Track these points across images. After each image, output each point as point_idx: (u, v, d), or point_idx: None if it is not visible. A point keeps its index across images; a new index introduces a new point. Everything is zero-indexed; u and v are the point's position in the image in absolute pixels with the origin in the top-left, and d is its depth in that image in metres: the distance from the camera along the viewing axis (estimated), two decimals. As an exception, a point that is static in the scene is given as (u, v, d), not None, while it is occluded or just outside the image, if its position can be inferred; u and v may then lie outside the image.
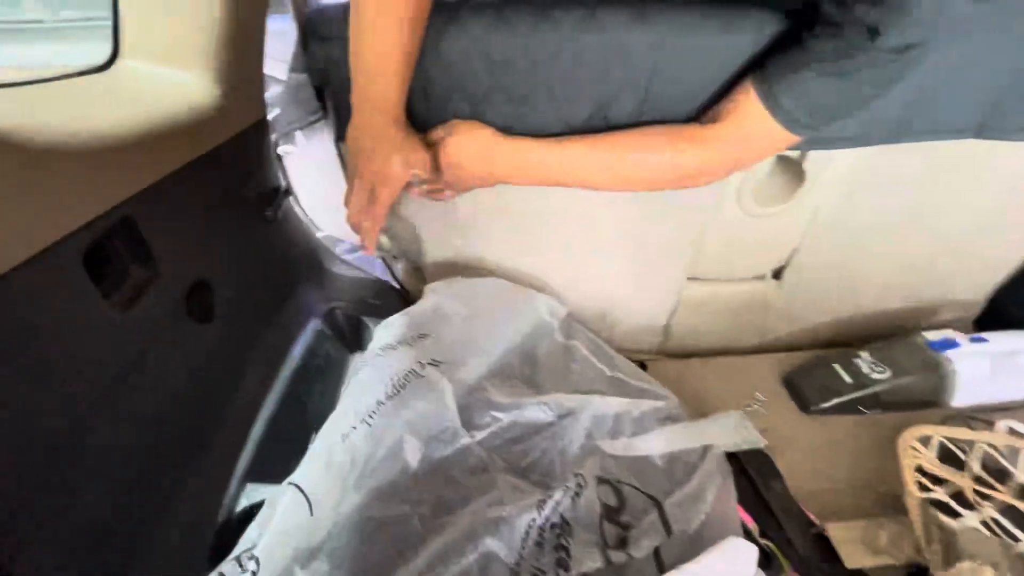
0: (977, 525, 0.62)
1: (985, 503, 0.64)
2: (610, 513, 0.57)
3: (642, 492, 0.61)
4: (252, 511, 0.44)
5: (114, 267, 0.36)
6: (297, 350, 0.58)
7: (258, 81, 0.54)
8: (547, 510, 0.47)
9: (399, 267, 0.98)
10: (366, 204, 0.58)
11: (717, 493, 0.63)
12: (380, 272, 1.09)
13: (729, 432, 0.70)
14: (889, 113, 0.61)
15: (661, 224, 0.76)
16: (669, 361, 0.94)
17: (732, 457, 0.70)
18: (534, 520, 0.45)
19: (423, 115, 0.61)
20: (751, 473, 0.71)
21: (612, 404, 0.65)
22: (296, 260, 0.66)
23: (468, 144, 0.59)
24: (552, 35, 0.55)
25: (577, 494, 0.51)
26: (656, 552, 0.54)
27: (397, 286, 0.95)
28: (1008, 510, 0.63)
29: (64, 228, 0.29)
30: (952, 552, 0.55)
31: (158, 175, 0.39)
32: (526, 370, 0.67)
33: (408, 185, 0.58)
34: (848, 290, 0.87)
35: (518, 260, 0.81)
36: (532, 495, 0.48)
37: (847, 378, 0.80)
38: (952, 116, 0.62)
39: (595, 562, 0.48)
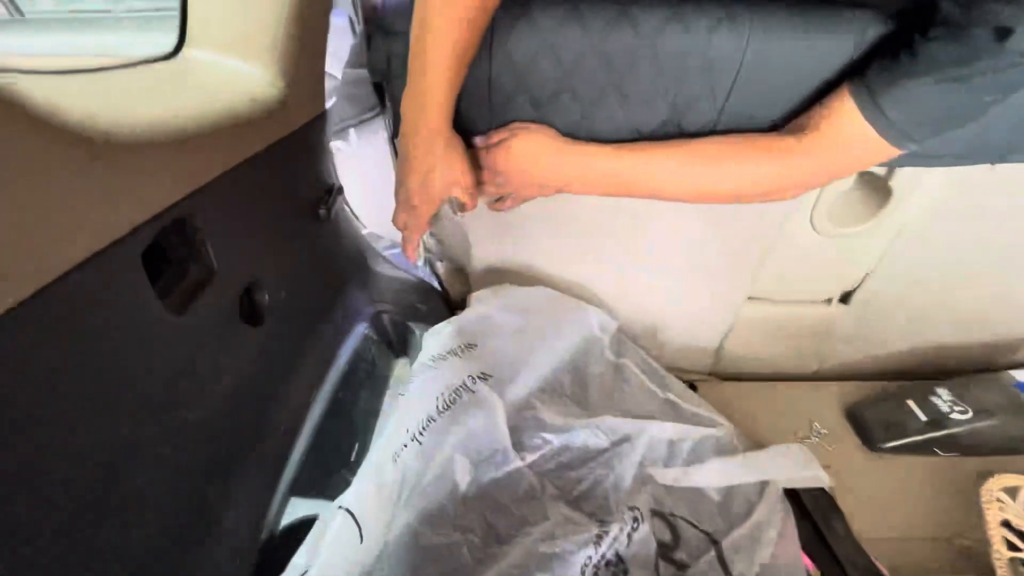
0: (1077, 594, 0.55)
1: (1085, 569, 0.57)
2: (665, 550, 0.53)
3: (697, 528, 0.57)
4: (296, 528, 0.42)
5: (171, 267, 0.34)
6: (343, 355, 0.56)
7: (319, 75, 0.53)
8: (604, 547, 0.44)
9: (441, 268, 0.96)
10: (408, 212, 0.57)
11: (779, 535, 0.59)
12: (421, 272, 1.07)
13: (791, 467, 0.65)
14: (999, 131, 0.55)
15: (724, 238, 0.71)
16: (721, 383, 0.89)
17: (791, 495, 0.65)
18: (590, 558, 0.42)
19: (485, 117, 0.58)
20: (813, 514, 0.65)
21: (667, 430, 0.61)
22: (344, 261, 0.64)
23: (533, 148, 0.56)
24: (630, 34, 0.51)
25: (634, 530, 0.48)
26: (715, 598, 0.50)
27: (439, 287, 0.93)
28: (1112, 579, 0.57)
29: (126, 224, 0.28)
30: (1053, 626, 0.49)
31: (219, 170, 0.37)
32: (576, 388, 0.63)
33: (446, 202, 0.57)
34: (924, 320, 0.81)
35: (568, 268, 0.78)
36: (587, 529, 0.45)
37: (922, 415, 0.74)
38: None
39: (653, 606, 0.44)
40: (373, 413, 0.56)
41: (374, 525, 0.38)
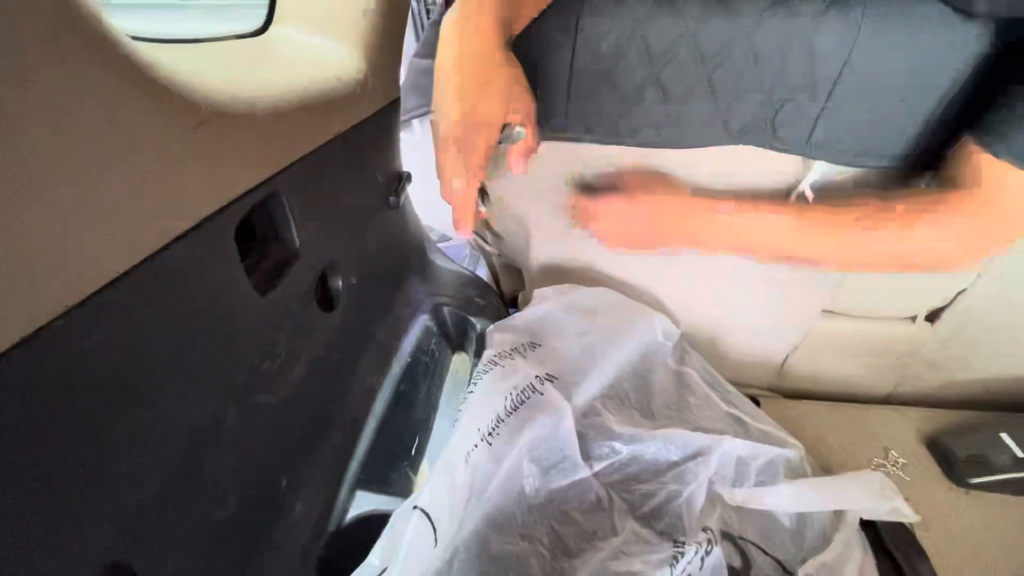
0: None
1: None
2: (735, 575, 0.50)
3: (769, 555, 0.53)
4: (360, 523, 0.41)
5: (258, 245, 0.34)
6: (406, 346, 0.55)
7: (397, 59, 0.52)
8: (678, 569, 0.40)
9: (496, 264, 0.95)
10: (458, 160, 0.44)
11: (858, 569, 0.54)
12: (467, 263, 1.06)
13: (871, 497, 0.60)
14: None
15: (803, 247, 0.67)
16: (784, 401, 0.84)
17: (866, 527, 0.60)
18: (664, 580, 0.39)
19: (562, 108, 0.56)
20: (893, 551, 0.60)
21: (738, 447, 0.57)
22: (408, 250, 0.63)
23: (667, 206, 0.53)
24: (726, 21, 0.48)
25: (708, 553, 0.44)
26: (791, 633, 0.46)
27: (493, 283, 0.91)
28: None
29: (224, 197, 0.27)
30: None
31: (306, 149, 0.36)
32: (640, 396, 0.60)
33: (502, 140, 0.45)
34: (1020, 346, 0.73)
35: (630, 271, 0.75)
36: (659, 548, 0.42)
37: (1018, 451, 0.67)
38: None
39: (727, 638, 0.41)
40: (433, 407, 0.54)
41: (447, 528, 0.37)
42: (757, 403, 0.79)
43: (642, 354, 0.66)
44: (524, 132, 0.46)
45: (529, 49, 0.52)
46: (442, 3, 0.60)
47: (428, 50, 0.73)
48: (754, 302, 0.74)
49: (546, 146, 0.61)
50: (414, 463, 0.47)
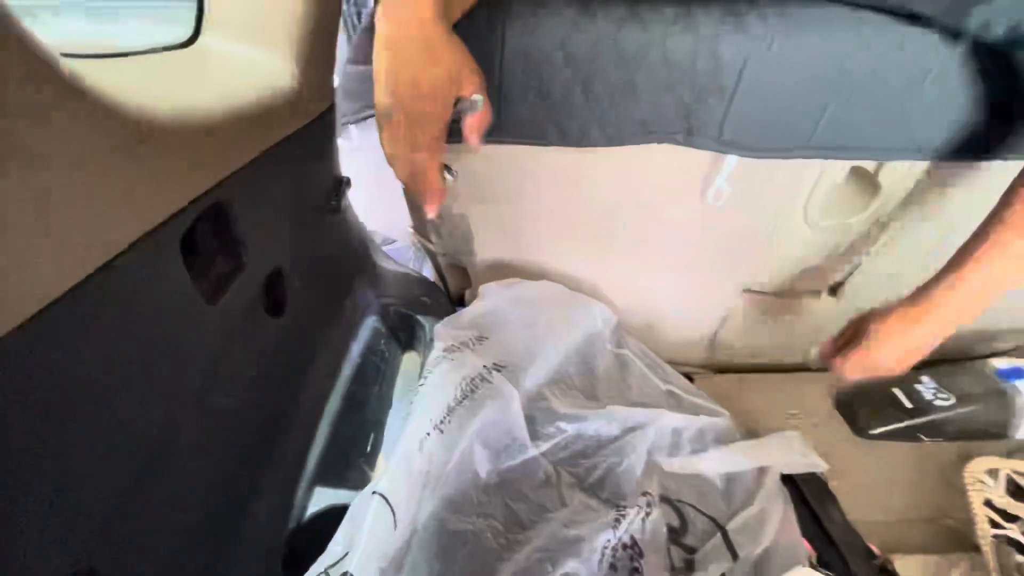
0: (1055, 567, 0.59)
1: (1061, 544, 0.61)
2: (674, 535, 0.55)
3: (703, 513, 0.59)
4: (321, 518, 0.42)
5: (204, 255, 0.34)
6: (356, 348, 0.56)
7: (331, 66, 0.52)
8: (621, 530, 0.45)
9: (442, 264, 0.96)
10: (413, 136, 0.42)
11: (780, 519, 0.61)
12: (413, 265, 1.07)
13: (790, 453, 0.67)
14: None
15: (720, 233, 0.73)
16: (714, 376, 0.91)
17: (787, 480, 0.67)
18: (610, 540, 0.43)
19: (494, 110, 0.59)
20: (809, 498, 0.68)
21: (672, 419, 0.63)
22: (353, 253, 0.64)
23: (898, 347, 0.56)
24: (640, 31, 0.52)
25: (647, 515, 0.49)
26: (723, 578, 0.52)
27: (439, 283, 0.93)
28: (1086, 552, 0.60)
29: (167, 209, 0.27)
30: (1037, 596, 0.52)
31: (245, 159, 0.37)
32: (583, 380, 0.64)
33: (459, 112, 0.44)
34: (907, 311, 0.84)
35: (568, 264, 0.79)
36: (605, 514, 0.46)
37: (907, 403, 0.77)
38: None
39: (668, 588, 0.45)
40: (386, 406, 0.56)
41: (405, 511, 0.39)
42: (691, 379, 0.86)
43: (584, 340, 0.70)
44: (480, 100, 0.44)
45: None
46: (373, 9, 0.61)
47: (362, 56, 0.74)
48: (681, 286, 0.80)
49: (485, 147, 0.64)
50: (370, 460, 0.49)
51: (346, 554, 0.34)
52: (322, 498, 0.44)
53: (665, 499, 0.57)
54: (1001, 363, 0.77)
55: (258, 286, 0.40)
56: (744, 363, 0.92)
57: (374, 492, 0.37)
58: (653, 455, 0.60)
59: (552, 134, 0.60)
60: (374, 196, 0.77)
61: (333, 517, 0.38)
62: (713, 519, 0.59)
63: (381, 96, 0.41)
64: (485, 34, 0.54)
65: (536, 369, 0.58)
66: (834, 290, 0.83)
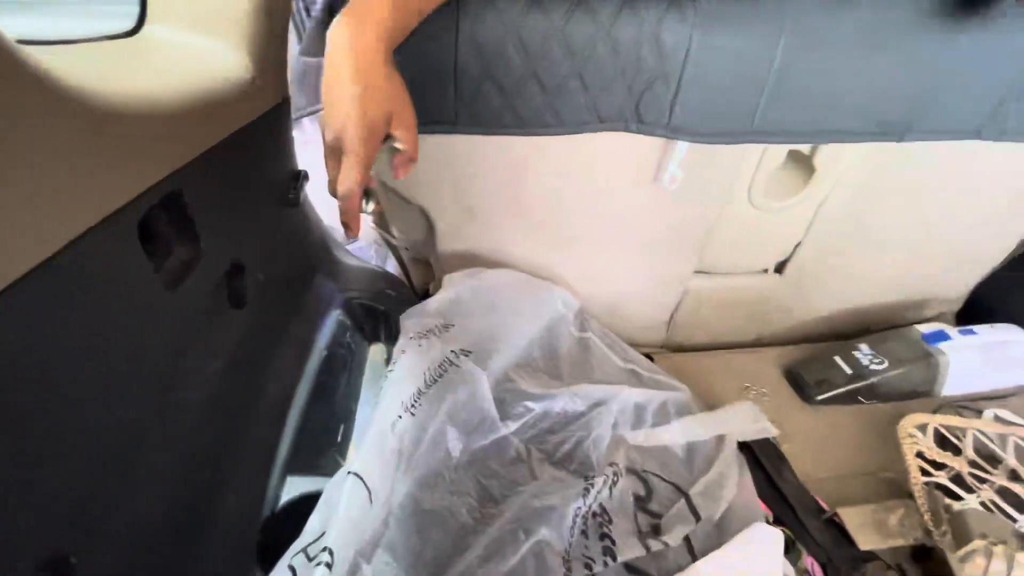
0: (977, 506, 0.65)
1: (982, 486, 0.68)
2: (640, 502, 0.57)
3: (667, 481, 0.62)
4: (294, 505, 0.42)
5: (162, 243, 0.33)
6: (321, 340, 0.56)
7: (284, 57, 0.52)
8: (590, 498, 0.47)
9: (405, 258, 0.96)
10: (343, 164, 0.45)
11: (737, 481, 0.65)
12: (376, 262, 1.07)
13: (744, 422, 0.71)
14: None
15: (671, 217, 0.77)
16: (673, 354, 0.95)
17: (743, 447, 0.72)
18: (579, 508, 0.45)
19: (451, 102, 0.60)
20: (763, 462, 0.72)
21: (635, 395, 0.65)
22: (314, 247, 0.63)
23: None
24: (589, 21, 0.55)
25: (614, 484, 0.51)
26: (687, 539, 0.55)
27: (402, 277, 0.93)
28: (1002, 492, 0.67)
29: (123, 196, 0.27)
30: (962, 532, 0.58)
31: (200, 148, 0.36)
32: (548, 362, 0.66)
33: (385, 147, 0.47)
34: (846, 285, 0.90)
35: (530, 252, 0.81)
36: (574, 485, 0.48)
37: (847, 370, 0.83)
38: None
39: (636, 550, 0.48)
40: (354, 397, 0.56)
41: (380, 490, 0.39)
42: (651, 358, 0.90)
43: (547, 325, 0.72)
44: (403, 146, 0.48)
45: (415, 50, 0.55)
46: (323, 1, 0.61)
47: (314, 48, 0.73)
48: (638, 270, 0.84)
49: (441, 139, 0.65)
50: (342, 449, 0.49)
51: (324, 533, 0.35)
52: (295, 487, 0.44)
53: (631, 470, 0.60)
54: (926, 328, 0.84)
55: (218, 277, 0.40)
56: (701, 342, 0.97)
57: (349, 472, 0.38)
58: (618, 429, 0.62)
59: (508, 121, 0.61)
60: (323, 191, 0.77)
61: (306, 505, 0.39)
62: (676, 486, 0.62)
63: (326, 124, 0.45)
64: (440, 25, 0.54)
65: (502, 353, 0.60)
66: (780, 268, 0.89)
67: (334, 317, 0.60)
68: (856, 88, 0.61)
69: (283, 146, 0.55)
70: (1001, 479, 0.68)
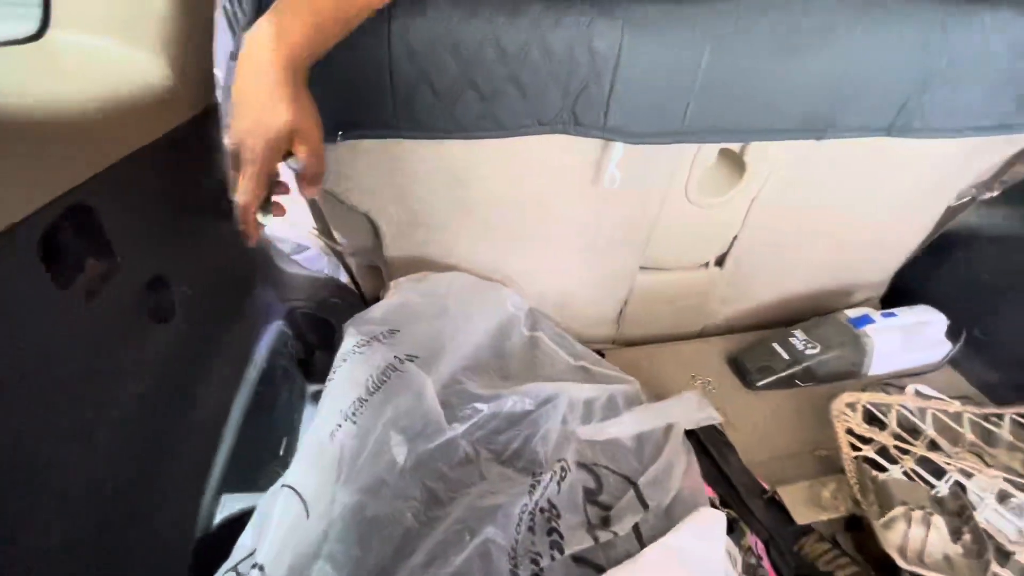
0: (900, 476, 0.70)
1: (905, 457, 0.73)
2: (590, 495, 0.59)
3: (617, 473, 0.64)
4: (231, 523, 0.41)
5: (70, 258, 0.32)
6: (260, 352, 0.54)
7: (208, 63, 0.50)
8: (537, 495, 0.48)
9: (352, 264, 0.95)
10: (243, 174, 0.46)
11: (684, 469, 0.67)
12: (328, 271, 1.05)
13: (690, 410, 0.74)
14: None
15: (614, 216, 0.79)
16: (623, 349, 0.98)
17: (690, 434, 0.74)
18: (526, 505, 0.46)
19: (388, 107, 0.59)
20: (709, 448, 0.75)
21: (583, 390, 0.67)
22: (252, 257, 0.61)
23: None
24: (520, 27, 0.56)
25: (562, 479, 0.52)
26: (635, 527, 0.56)
27: (352, 285, 0.92)
28: (922, 461, 0.72)
29: (19, 210, 0.26)
30: (885, 501, 0.62)
31: (112, 158, 0.35)
32: (498, 362, 0.67)
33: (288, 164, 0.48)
34: (781, 275, 0.95)
35: (479, 254, 0.81)
36: (521, 482, 0.49)
37: (784, 355, 0.88)
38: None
39: (584, 542, 0.49)
40: (298, 408, 0.55)
41: (318, 501, 0.39)
42: (602, 354, 0.92)
43: (497, 325, 0.73)
44: (304, 164, 0.48)
45: (349, 55, 0.55)
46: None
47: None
48: (585, 269, 0.85)
49: (382, 144, 0.65)
50: (285, 462, 0.47)
51: (255, 549, 0.34)
52: (232, 504, 0.43)
53: (581, 464, 0.61)
54: (853, 313, 0.90)
55: (138, 291, 0.38)
56: (650, 335, 1.00)
57: (283, 485, 0.37)
58: (568, 424, 0.64)
59: (447, 125, 0.62)
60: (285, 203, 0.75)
61: (243, 523, 0.38)
62: (626, 477, 0.63)
63: (231, 134, 0.45)
64: (372, 30, 0.54)
65: (450, 356, 0.60)
66: (720, 261, 0.93)
67: (275, 328, 0.59)
68: (776, 89, 0.65)
69: (212, 154, 0.53)
70: (921, 449, 0.74)
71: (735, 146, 0.74)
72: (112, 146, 0.37)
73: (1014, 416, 0.78)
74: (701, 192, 0.79)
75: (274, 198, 0.50)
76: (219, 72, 0.74)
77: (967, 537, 0.59)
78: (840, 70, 0.64)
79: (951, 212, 0.93)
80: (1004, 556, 0.61)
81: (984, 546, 0.57)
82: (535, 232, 0.79)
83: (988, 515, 0.65)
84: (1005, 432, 0.76)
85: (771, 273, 0.95)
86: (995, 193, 0.87)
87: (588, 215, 0.78)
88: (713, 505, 0.67)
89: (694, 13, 0.59)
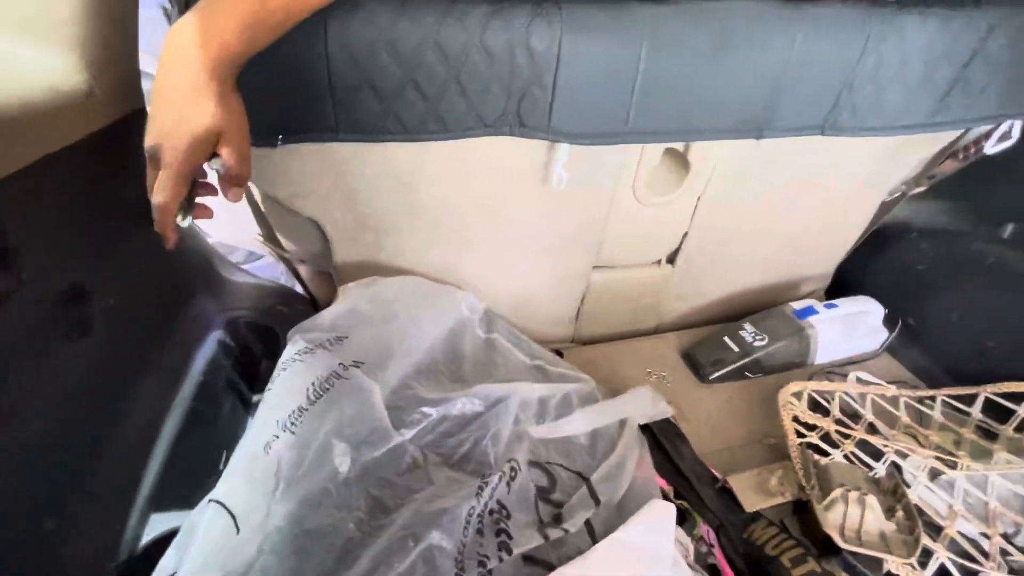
0: (841, 459, 0.73)
1: (845, 441, 0.76)
2: (543, 493, 0.59)
3: (570, 470, 0.64)
4: (161, 542, 0.39)
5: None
6: (198, 365, 0.52)
7: (131, 64, 0.48)
8: (485, 496, 0.48)
9: (304, 271, 0.93)
10: (161, 174, 0.44)
11: (637, 462, 0.68)
12: (284, 279, 1.02)
13: (643, 405, 0.75)
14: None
15: (565, 216, 0.80)
16: (581, 348, 0.99)
17: (645, 428, 0.76)
18: (473, 508, 0.46)
19: (328, 110, 0.58)
20: (663, 441, 0.77)
21: (536, 390, 0.67)
22: (188, 267, 0.59)
23: None
24: (460, 28, 0.55)
25: (512, 479, 0.52)
26: (588, 523, 0.57)
27: (303, 292, 0.90)
28: (861, 444, 0.76)
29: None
30: (826, 484, 0.65)
31: (16, 165, 0.33)
32: (452, 366, 0.67)
33: (212, 166, 0.46)
34: (730, 270, 0.98)
35: (432, 257, 0.81)
36: (470, 484, 0.48)
37: (735, 348, 0.91)
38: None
39: (534, 540, 0.49)
40: (240, 421, 0.53)
41: (250, 516, 0.38)
42: (560, 354, 0.93)
43: (451, 329, 0.73)
44: (228, 165, 0.46)
45: (285, 58, 0.53)
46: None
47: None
48: (539, 269, 0.86)
49: (325, 147, 0.63)
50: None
51: (177, 570, 0.33)
52: (162, 523, 0.41)
53: (534, 463, 0.61)
54: (797, 305, 0.93)
55: (52, 305, 0.36)
56: (607, 333, 1.01)
57: (210, 500, 0.36)
58: (521, 424, 0.64)
59: (391, 128, 0.61)
60: (229, 208, 0.73)
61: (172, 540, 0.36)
62: (579, 473, 0.64)
63: (148, 131, 0.43)
64: (308, 31, 0.53)
65: (399, 361, 0.59)
66: (671, 259, 0.95)
67: (214, 339, 0.57)
68: (715, 90, 0.67)
69: (139, 161, 0.51)
70: (861, 433, 0.77)
71: (679, 146, 0.76)
72: (22, 152, 0.35)
73: (944, 398, 0.82)
74: (649, 191, 0.80)
75: (199, 199, 0.49)
76: (150, 69, 0.71)
77: (900, 514, 0.62)
78: (774, 73, 0.67)
79: (885, 207, 0.98)
80: (935, 530, 0.64)
81: (915, 522, 0.60)
82: (487, 234, 0.79)
83: (921, 492, 0.68)
84: (937, 413, 0.80)
85: (721, 269, 0.97)
86: (923, 188, 0.92)
87: (539, 216, 0.79)
88: (666, 497, 0.69)
89: (631, 17, 0.60)
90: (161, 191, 0.43)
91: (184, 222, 0.46)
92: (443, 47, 0.56)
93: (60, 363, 0.36)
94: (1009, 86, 0.72)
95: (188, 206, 0.46)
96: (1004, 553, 0.62)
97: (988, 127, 0.78)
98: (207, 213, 0.50)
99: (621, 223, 0.84)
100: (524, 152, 0.69)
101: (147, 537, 0.40)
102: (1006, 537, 0.64)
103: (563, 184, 0.71)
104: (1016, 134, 0.77)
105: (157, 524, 0.41)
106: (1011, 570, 0.60)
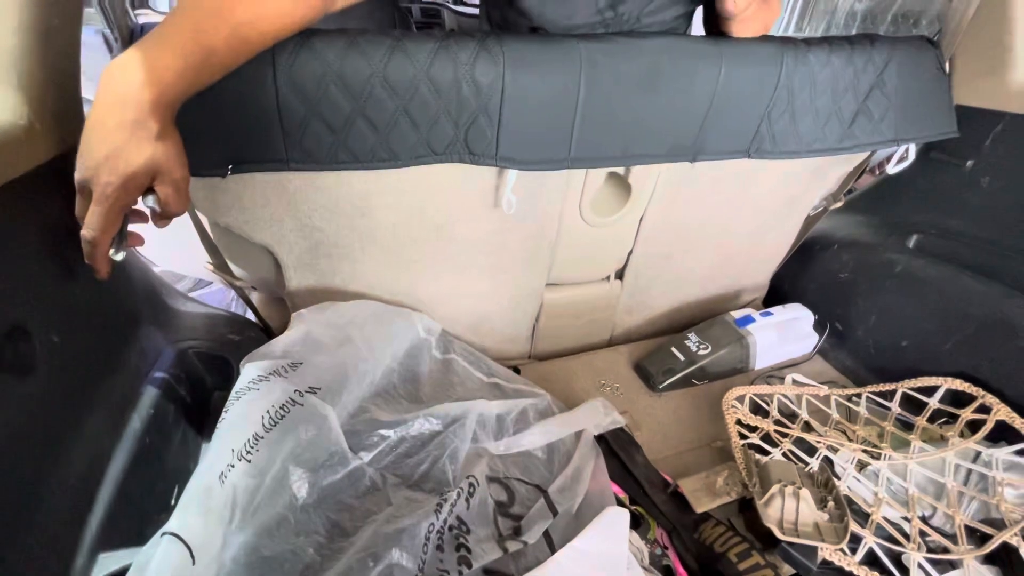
0: (779, 457, 0.78)
1: (784, 439, 0.82)
2: (502, 507, 0.61)
3: (528, 483, 0.66)
4: (112, 581, 0.38)
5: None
6: (146, 398, 0.51)
7: (73, 97, 0.48)
8: (444, 513, 0.49)
9: (256, 299, 0.92)
10: (93, 208, 0.43)
11: (592, 472, 0.71)
12: (235, 307, 1.00)
13: (597, 417, 0.78)
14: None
15: (515, 237, 0.83)
16: (538, 363, 1.02)
17: (600, 438, 0.79)
18: (432, 525, 0.47)
19: (279, 142, 0.59)
20: (617, 450, 0.80)
21: (494, 406, 0.69)
22: (134, 299, 0.58)
23: None
24: (406, 64, 0.58)
25: (471, 495, 0.54)
26: (546, 533, 0.59)
27: (255, 320, 0.89)
28: (798, 441, 0.82)
29: None
30: (766, 480, 0.69)
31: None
32: (409, 387, 0.68)
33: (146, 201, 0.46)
34: (675, 284, 1.04)
35: (386, 281, 0.82)
36: (428, 503, 0.50)
37: (681, 357, 0.96)
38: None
39: (494, 553, 0.51)
40: (193, 454, 0.52)
41: (207, 547, 0.37)
42: (517, 370, 0.95)
43: (407, 351, 0.74)
44: (164, 204, 0.47)
45: (234, 90, 0.54)
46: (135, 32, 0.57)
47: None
48: (494, 289, 0.89)
49: (278, 175, 0.64)
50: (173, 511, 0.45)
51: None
52: (113, 562, 0.40)
53: (493, 478, 0.63)
54: (737, 314, 1.00)
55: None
56: (561, 348, 1.04)
57: (164, 533, 0.35)
58: (479, 441, 0.65)
59: (343, 158, 0.62)
60: (178, 235, 0.71)
61: (125, 578, 0.35)
62: (537, 486, 0.66)
63: (78, 159, 0.42)
64: (257, 65, 0.54)
65: (355, 386, 0.60)
66: (620, 275, 1.00)
67: (163, 371, 0.56)
68: (650, 118, 0.72)
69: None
70: (797, 431, 0.83)
71: (620, 170, 0.81)
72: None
73: (869, 395, 0.90)
74: (594, 212, 0.85)
75: (130, 227, 0.48)
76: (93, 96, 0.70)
77: (831, 504, 0.67)
78: (701, 104, 0.73)
79: (810, 221, 1.07)
80: (863, 517, 0.70)
81: (844, 511, 0.65)
82: (441, 257, 0.81)
83: (850, 483, 0.74)
84: (862, 409, 0.88)
85: (666, 283, 1.03)
86: (840, 203, 1.01)
87: (491, 238, 0.82)
88: (621, 503, 0.72)
89: (569, 53, 0.64)
90: (92, 227, 0.42)
91: (118, 256, 0.45)
92: (391, 81, 0.59)
93: (5, 400, 0.36)
94: (903, 114, 0.81)
95: (120, 239, 0.45)
96: (923, 534, 0.68)
97: (890, 150, 0.88)
98: (138, 241, 0.50)
99: (570, 243, 0.88)
100: (474, 177, 0.72)
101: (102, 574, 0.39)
102: (924, 520, 0.71)
103: (512, 208, 0.75)
104: (912, 155, 0.87)
105: (106, 563, 0.39)
106: (929, 549, 0.67)
